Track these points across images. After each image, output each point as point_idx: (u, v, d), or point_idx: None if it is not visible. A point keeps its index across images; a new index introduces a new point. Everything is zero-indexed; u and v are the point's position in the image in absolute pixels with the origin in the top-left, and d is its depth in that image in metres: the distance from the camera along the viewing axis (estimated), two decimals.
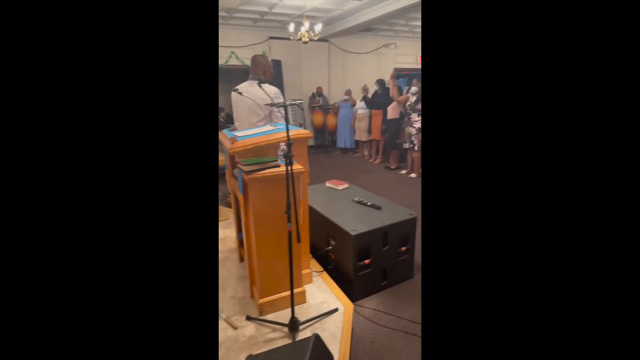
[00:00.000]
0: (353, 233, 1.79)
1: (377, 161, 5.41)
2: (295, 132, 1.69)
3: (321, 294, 1.82)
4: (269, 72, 2.18)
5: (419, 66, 7.95)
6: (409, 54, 7.77)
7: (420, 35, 7.17)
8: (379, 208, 2.13)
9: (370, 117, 5.40)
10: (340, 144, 6.27)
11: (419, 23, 6.01)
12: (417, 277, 2.13)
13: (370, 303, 1.87)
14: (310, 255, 2.01)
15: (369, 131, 5.48)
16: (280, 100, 1.87)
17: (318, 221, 2.09)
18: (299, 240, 1.40)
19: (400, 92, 4.67)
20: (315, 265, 2.10)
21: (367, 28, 6.14)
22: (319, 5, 4.76)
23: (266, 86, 1.91)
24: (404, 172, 4.68)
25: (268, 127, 1.83)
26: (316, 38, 4.65)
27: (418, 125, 4.20)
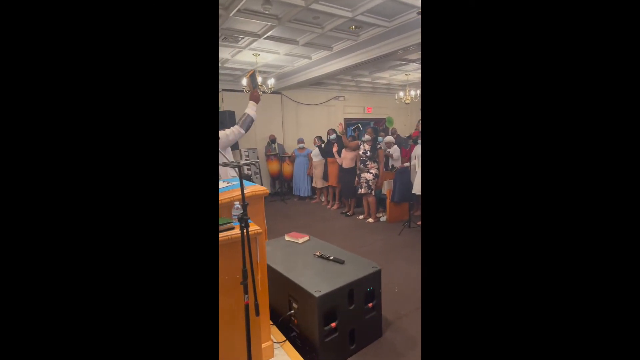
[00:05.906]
0: (317, 294, 1.66)
1: (335, 207, 5.43)
2: (251, 189, 1.60)
3: None
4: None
5: (367, 116, 8.56)
6: (356, 105, 8.37)
7: (364, 89, 7.89)
8: (342, 262, 2.04)
9: (326, 165, 5.51)
10: (297, 191, 6.24)
11: (364, 78, 6.58)
12: (386, 335, 2.01)
13: None
14: (271, 322, 1.80)
15: (325, 178, 5.56)
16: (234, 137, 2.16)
17: (278, 281, 1.93)
18: (257, 314, 1.24)
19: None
20: (276, 333, 1.88)
21: (317, 82, 6.55)
22: (271, 62, 4.99)
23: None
24: (360, 217, 4.72)
25: (221, 184, 1.72)
26: (269, 91, 4.79)
27: (374, 171, 4.36)
